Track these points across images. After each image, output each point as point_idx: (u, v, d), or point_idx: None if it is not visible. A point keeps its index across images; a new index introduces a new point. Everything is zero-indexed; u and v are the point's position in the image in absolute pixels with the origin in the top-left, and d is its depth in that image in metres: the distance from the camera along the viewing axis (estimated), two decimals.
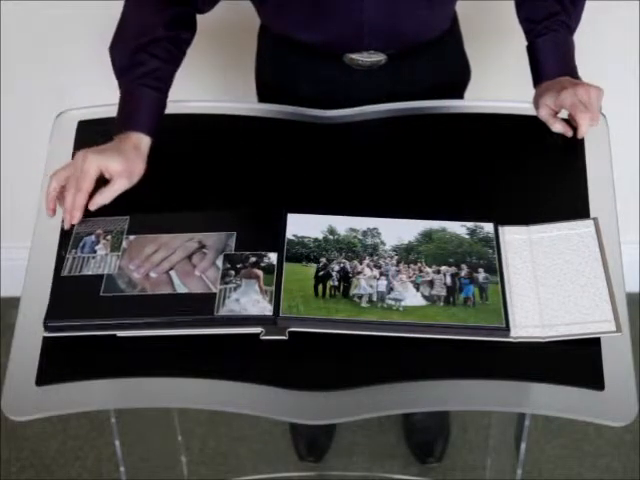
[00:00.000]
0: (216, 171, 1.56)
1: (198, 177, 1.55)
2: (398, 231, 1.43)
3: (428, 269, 1.39)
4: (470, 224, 1.44)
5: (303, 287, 1.36)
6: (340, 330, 1.32)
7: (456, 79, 1.80)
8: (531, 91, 1.63)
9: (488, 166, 1.57)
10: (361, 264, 1.39)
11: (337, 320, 1.32)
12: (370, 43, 1.63)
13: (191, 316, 1.33)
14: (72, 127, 1.63)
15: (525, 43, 1.65)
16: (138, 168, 1.49)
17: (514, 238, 1.43)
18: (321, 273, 1.38)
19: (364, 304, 1.34)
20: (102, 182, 1.47)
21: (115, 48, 1.57)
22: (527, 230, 1.44)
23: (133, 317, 1.33)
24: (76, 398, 1.30)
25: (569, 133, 1.57)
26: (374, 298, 1.35)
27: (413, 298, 1.35)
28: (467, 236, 1.43)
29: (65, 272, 1.39)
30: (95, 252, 1.42)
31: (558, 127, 1.58)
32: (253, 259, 1.39)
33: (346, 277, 1.38)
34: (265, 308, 1.33)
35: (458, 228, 1.43)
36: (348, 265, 1.39)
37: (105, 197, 1.47)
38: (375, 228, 1.44)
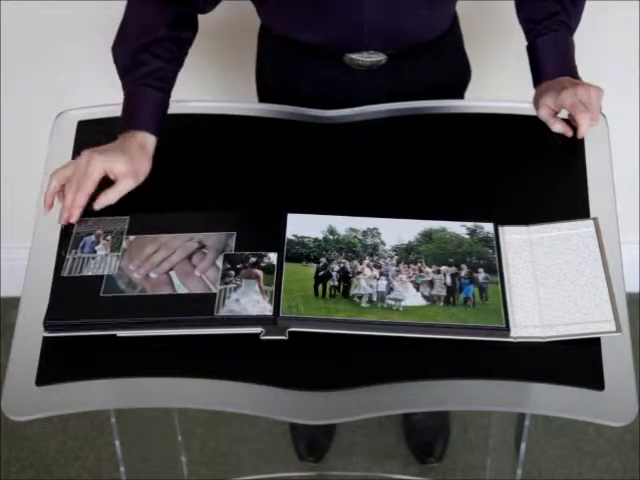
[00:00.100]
0: (216, 171, 1.56)
1: (198, 177, 1.55)
2: (398, 231, 1.43)
3: (428, 269, 1.39)
4: (470, 224, 1.44)
5: (303, 287, 1.36)
6: (340, 330, 1.32)
7: (456, 79, 1.80)
8: (531, 91, 1.63)
9: (488, 166, 1.57)
10: (361, 264, 1.39)
11: (337, 320, 1.32)
12: (370, 43, 1.63)
13: (191, 316, 1.33)
14: (72, 127, 1.63)
15: (525, 43, 1.65)
16: (144, 167, 1.49)
17: (514, 238, 1.43)
18: (321, 273, 1.38)
19: (364, 304, 1.34)
20: (105, 183, 1.47)
21: (117, 48, 1.57)
22: (527, 230, 1.44)
23: (133, 318, 1.33)
24: (76, 398, 1.30)
25: (569, 133, 1.57)
26: (374, 298, 1.35)
27: (413, 298, 1.35)
28: (467, 236, 1.43)
29: (65, 272, 1.39)
30: (95, 252, 1.42)
31: (558, 127, 1.58)
32: (253, 259, 1.39)
33: (346, 277, 1.37)
34: (265, 308, 1.33)
35: (458, 228, 1.43)
36: (348, 265, 1.39)
37: (110, 197, 1.46)
38: (375, 228, 1.44)
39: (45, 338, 1.33)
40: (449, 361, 1.31)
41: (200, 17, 1.62)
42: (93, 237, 1.44)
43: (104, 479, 2.25)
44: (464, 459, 2.28)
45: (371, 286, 1.36)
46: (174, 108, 1.57)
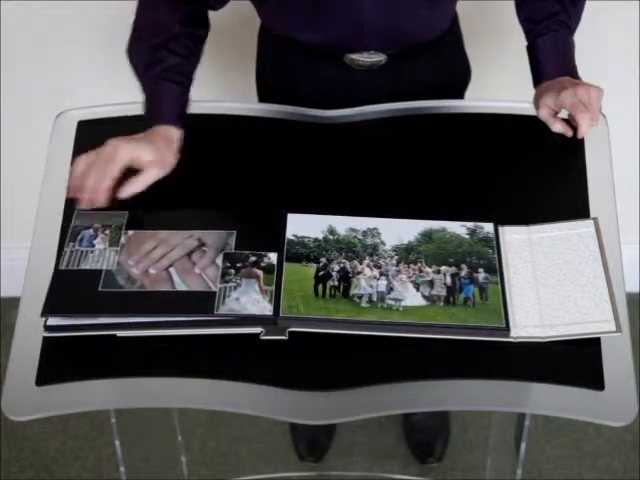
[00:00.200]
0: (216, 171, 1.56)
1: (198, 177, 1.55)
2: (398, 231, 1.43)
3: (428, 269, 1.39)
4: (470, 224, 1.44)
5: (303, 287, 1.36)
6: (340, 330, 1.32)
7: (456, 79, 1.80)
8: (531, 91, 1.63)
9: (488, 166, 1.57)
10: (361, 264, 1.39)
11: (337, 320, 1.32)
12: (370, 43, 1.63)
13: (191, 314, 1.33)
14: (72, 127, 1.63)
15: (525, 43, 1.65)
16: (169, 159, 1.48)
17: (514, 238, 1.43)
18: (321, 273, 1.38)
19: (364, 304, 1.34)
20: (124, 178, 1.45)
21: (132, 49, 1.57)
22: (527, 230, 1.44)
23: (132, 314, 1.33)
24: (76, 398, 1.30)
25: (569, 133, 1.57)
26: (374, 298, 1.35)
27: (413, 298, 1.35)
28: (467, 236, 1.43)
29: (63, 265, 1.39)
30: (93, 246, 1.41)
31: (558, 127, 1.58)
32: (253, 258, 1.39)
33: (346, 277, 1.37)
34: (265, 308, 1.33)
35: (458, 228, 1.43)
36: (348, 265, 1.39)
37: (137, 186, 1.45)
38: (375, 228, 1.44)
39: (45, 338, 1.33)
40: (449, 361, 1.31)
41: None
42: (91, 230, 1.43)
43: (104, 479, 2.25)
44: (464, 459, 2.28)
45: (371, 286, 1.36)
46: None
